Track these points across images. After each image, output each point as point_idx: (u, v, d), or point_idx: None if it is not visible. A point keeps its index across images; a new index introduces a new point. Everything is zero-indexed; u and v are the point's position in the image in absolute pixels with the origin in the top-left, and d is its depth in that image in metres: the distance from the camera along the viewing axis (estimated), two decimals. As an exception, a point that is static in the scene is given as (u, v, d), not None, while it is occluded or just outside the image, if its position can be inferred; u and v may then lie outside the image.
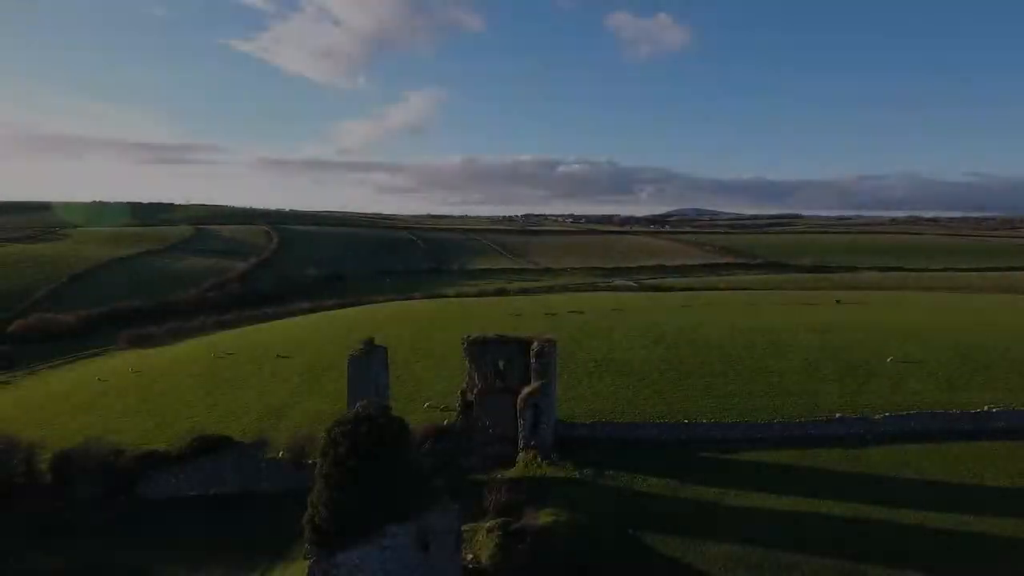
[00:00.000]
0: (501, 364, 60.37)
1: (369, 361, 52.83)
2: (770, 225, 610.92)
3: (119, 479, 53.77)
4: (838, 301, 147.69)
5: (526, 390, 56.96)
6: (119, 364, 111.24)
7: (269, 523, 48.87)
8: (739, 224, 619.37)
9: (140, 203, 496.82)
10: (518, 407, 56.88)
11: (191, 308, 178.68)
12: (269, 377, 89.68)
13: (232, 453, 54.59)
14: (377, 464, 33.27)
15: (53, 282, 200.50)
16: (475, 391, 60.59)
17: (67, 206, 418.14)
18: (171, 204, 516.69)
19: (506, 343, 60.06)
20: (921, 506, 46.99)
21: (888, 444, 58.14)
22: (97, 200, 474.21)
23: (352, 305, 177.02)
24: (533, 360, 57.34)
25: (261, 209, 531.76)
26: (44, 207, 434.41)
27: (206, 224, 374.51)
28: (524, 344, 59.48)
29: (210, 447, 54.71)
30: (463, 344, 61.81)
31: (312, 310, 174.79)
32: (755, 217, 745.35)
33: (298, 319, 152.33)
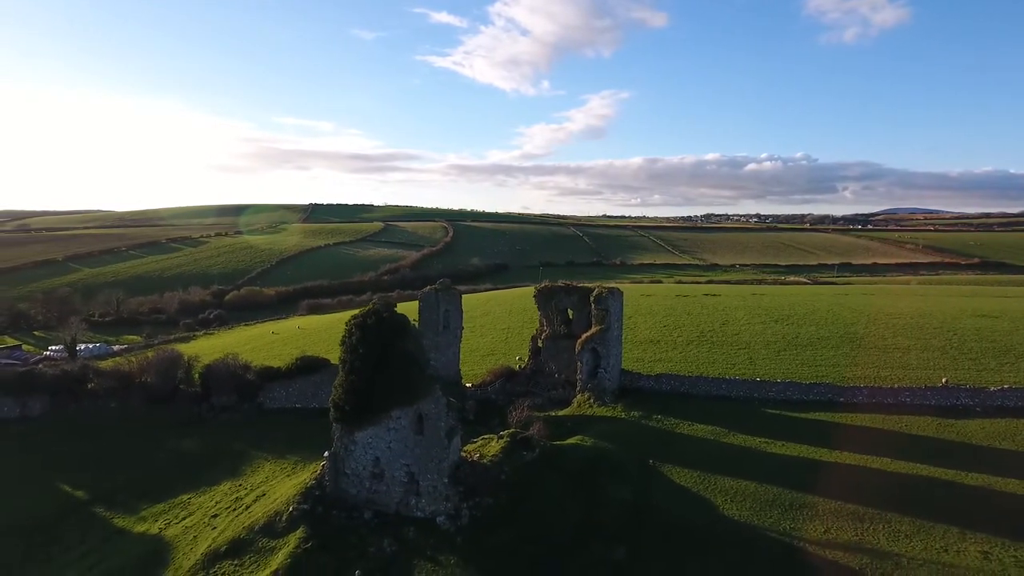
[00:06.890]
0: (569, 312, 62.48)
1: (438, 298, 58.23)
2: (1003, 224, 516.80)
3: (246, 390, 65.48)
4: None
5: (585, 335, 58.59)
6: (292, 324, 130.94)
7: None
8: (962, 223, 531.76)
9: (346, 204, 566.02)
10: (576, 350, 58.67)
11: (366, 287, 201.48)
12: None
13: (328, 372, 63.42)
14: (381, 351, 38.29)
15: (265, 264, 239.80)
16: (543, 336, 63.39)
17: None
18: (371, 205, 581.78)
19: (572, 291, 62.03)
20: (995, 472, 40.96)
21: (998, 417, 50.59)
22: (313, 202, 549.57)
23: (503, 289, 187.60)
24: (592, 306, 58.76)
25: (444, 209, 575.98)
26: (273, 208, 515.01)
27: (394, 221, 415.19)
28: (590, 293, 60.99)
29: (311, 366, 64.32)
30: (534, 293, 64.97)
31: (468, 292, 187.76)
32: (985, 215, 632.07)
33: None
